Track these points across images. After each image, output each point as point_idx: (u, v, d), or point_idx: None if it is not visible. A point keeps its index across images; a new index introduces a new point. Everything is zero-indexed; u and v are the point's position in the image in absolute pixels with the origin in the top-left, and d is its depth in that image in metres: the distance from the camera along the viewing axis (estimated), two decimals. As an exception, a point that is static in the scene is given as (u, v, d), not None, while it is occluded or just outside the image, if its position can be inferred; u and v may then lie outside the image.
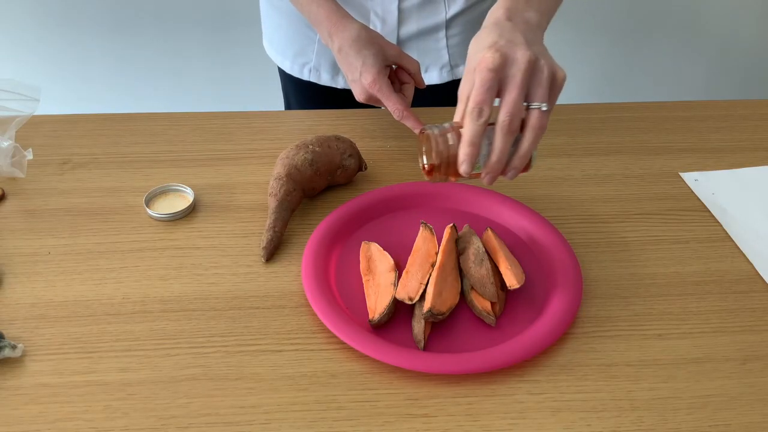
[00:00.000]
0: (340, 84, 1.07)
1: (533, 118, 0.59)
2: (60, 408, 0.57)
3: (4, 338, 0.62)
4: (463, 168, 0.60)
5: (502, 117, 0.59)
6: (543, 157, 0.89)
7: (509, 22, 0.62)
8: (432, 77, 1.05)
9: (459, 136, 0.61)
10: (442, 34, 1.03)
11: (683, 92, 2.14)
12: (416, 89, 0.89)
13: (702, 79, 2.15)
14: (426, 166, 0.65)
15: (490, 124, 0.60)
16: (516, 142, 0.61)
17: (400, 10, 0.99)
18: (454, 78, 1.07)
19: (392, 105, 0.82)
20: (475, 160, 0.60)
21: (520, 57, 0.58)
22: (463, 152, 0.60)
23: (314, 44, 1.04)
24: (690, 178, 0.87)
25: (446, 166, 0.62)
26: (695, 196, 0.84)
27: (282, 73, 1.13)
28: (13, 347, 0.61)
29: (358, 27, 0.84)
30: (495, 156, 0.60)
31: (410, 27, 1.01)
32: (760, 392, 0.60)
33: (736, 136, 0.96)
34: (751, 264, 0.74)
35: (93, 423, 0.56)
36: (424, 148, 0.65)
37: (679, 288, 0.71)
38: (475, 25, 1.05)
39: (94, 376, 0.60)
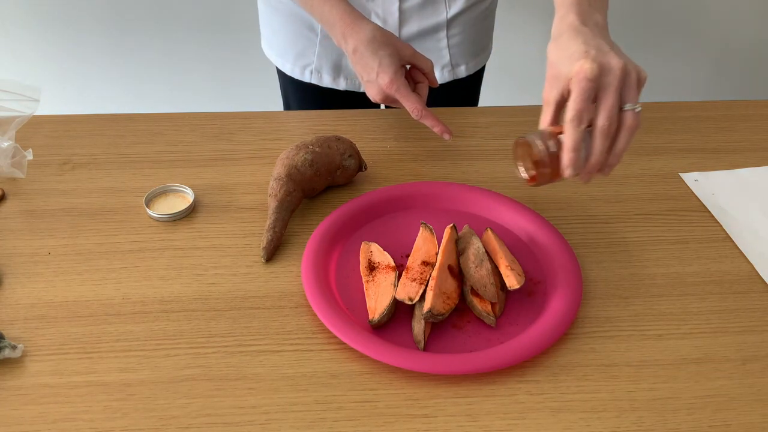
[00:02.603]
0: (341, 86, 1.07)
1: (629, 120, 0.62)
2: (60, 408, 0.58)
3: (4, 339, 0.62)
4: (568, 172, 0.63)
5: (602, 122, 0.61)
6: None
7: (585, 27, 0.65)
8: (433, 77, 1.05)
9: (557, 141, 0.63)
10: (442, 34, 1.03)
11: (683, 92, 2.14)
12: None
13: (702, 79, 2.15)
14: (527, 173, 0.67)
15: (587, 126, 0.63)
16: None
17: (401, 11, 0.99)
18: (455, 78, 1.07)
19: (411, 105, 0.82)
20: (578, 165, 0.63)
21: (615, 65, 0.61)
22: (567, 158, 0.62)
23: (315, 46, 1.04)
24: (690, 178, 0.87)
25: (550, 171, 0.64)
26: (695, 196, 0.84)
27: (281, 74, 1.13)
28: (13, 348, 0.61)
29: (373, 27, 0.84)
30: (595, 158, 0.63)
31: (411, 27, 1.01)
32: (760, 393, 0.60)
33: (736, 137, 0.96)
34: (751, 264, 0.74)
35: (93, 423, 0.56)
36: (521, 156, 0.66)
37: (679, 288, 0.71)
38: (475, 25, 1.06)
39: (94, 376, 0.60)
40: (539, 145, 0.64)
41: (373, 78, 0.82)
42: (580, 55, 0.62)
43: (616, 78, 0.61)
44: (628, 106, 0.62)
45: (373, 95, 0.84)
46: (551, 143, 0.64)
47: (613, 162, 0.64)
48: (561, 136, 0.63)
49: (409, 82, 0.86)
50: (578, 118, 0.61)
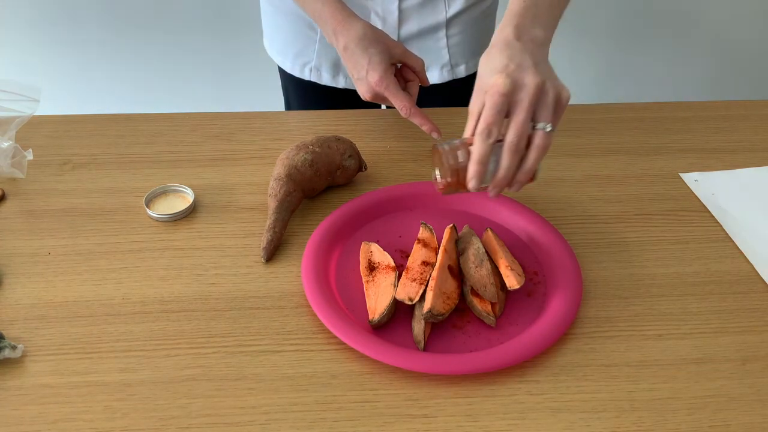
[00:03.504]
0: (340, 84, 1.07)
1: (538, 139, 0.63)
2: (60, 408, 0.58)
3: (4, 339, 0.62)
4: (471, 184, 0.64)
5: (510, 138, 0.62)
6: (544, 158, 0.89)
7: (518, 42, 0.65)
8: (432, 76, 1.05)
9: (469, 153, 0.64)
10: (442, 33, 1.03)
11: (683, 92, 2.14)
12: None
13: (702, 79, 2.15)
14: (441, 179, 0.67)
15: (498, 141, 0.63)
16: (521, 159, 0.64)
17: (400, 10, 0.99)
18: (454, 77, 1.07)
19: (399, 103, 0.82)
20: (483, 177, 0.64)
21: (529, 82, 0.62)
22: (472, 170, 0.63)
23: (315, 44, 1.04)
24: (690, 178, 0.87)
25: (456, 180, 0.65)
26: (695, 196, 0.84)
27: (282, 72, 1.13)
28: (14, 348, 0.61)
29: (364, 25, 0.84)
30: (502, 173, 0.63)
31: (410, 27, 1.01)
32: (759, 393, 0.60)
33: (736, 137, 0.96)
34: (751, 264, 0.74)
35: (93, 423, 0.56)
36: (437, 162, 0.67)
37: (678, 288, 0.71)
38: (475, 25, 1.06)
39: (94, 376, 0.60)
40: (448, 154, 0.65)
41: (363, 75, 0.82)
42: (499, 69, 0.63)
43: (529, 95, 0.61)
44: (539, 125, 0.63)
45: (362, 93, 0.84)
46: (460, 153, 0.64)
47: (522, 179, 0.65)
48: (472, 147, 0.64)
49: (399, 81, 0.86)
50: (487, 131, 0.61)
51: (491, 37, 1.11)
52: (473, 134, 0.64)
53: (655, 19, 2.01)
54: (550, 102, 0.63)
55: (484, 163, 0.62)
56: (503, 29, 0.67)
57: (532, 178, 0.66)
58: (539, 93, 0.62)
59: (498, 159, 0.63)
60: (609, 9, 1.97)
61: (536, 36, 0.67)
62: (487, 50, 0.67)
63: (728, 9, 2.00)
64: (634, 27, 2.02)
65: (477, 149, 0.62)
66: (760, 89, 2.15)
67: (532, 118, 0.63)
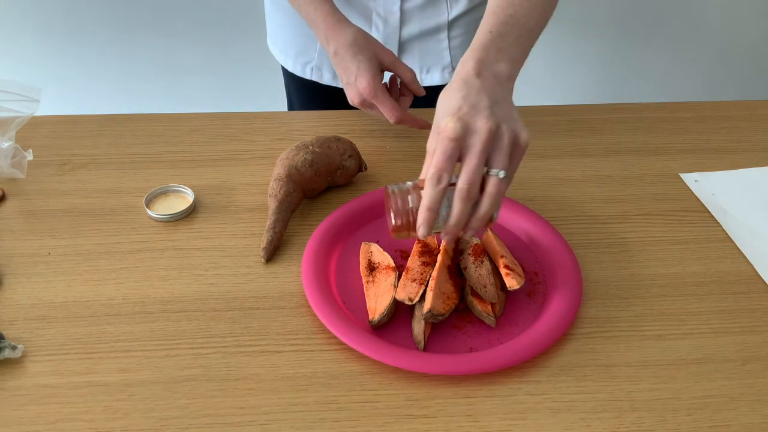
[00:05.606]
0: (341, 84, 1.07)
1: (490, 186, 0.59)
2: (60, 409, 0.58)
3: (4, 339, 0.62)
4: (420, 231, 0.60)
5: (461, 185, 0.59)
6: (543, 158, 0.89)
7: (477, 79, 0.62)
8: (434, 78, 1.05)
9: (420, 197, 0.61)
10: (444, 35, 1.03)
11: (683, 92, 2.14)
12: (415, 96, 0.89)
13: (702, 80, 2.15)
14: (394, 220, 0.64)
15: (452, 185, 0.60)
16: (475, 204, 0.61)
17: (402, 11, 0.99)
18: (455, 79, 1.07)
19: (387, 110, 0.82)
20: (433, 224, 0.60)
21: (481, 127, 0.58)
22: (422, 217, 0.60)
23: (317, 44, 1.04)
24: (690, 178, 0.87)
25: (408, 224, 0.62)
26: (695, 196, 0.84)
27: (285, 72, 1.13)
28: (14, 348, 0.61)
29: (354, 31, 0.84)
30: (453, 220, 0.60)
31: (412, 28, 1.01)
32: (760, 393, 0.60)
33: (736, 137, 0.96)
34: (751, 265, 0.74)
35: (93, 424, 0.56)
36: (387, 205, 0.64)
37: (679, 289, 0.71)
38: (477, 27, 1.05)
39: (94, 376, 0.60)
40: (398, 197, 0.62)
41: (352, 81, 0.83)
42: (451, 112, 0.59)
43: (481, 141, 0.58)
44: (492, 171, 0.59)
45: (351, 98, 0.85)
46: (411, 197, 0.61)
47: (476, 225, 0.61)
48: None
49: (395, 92, 0.87)
50: (437, 176, 0.58)
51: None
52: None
53: (655, 19, 2.01)
54: (505, 146, 0.59)
55: (433, 209, 0.59)
56: (464, 63, 0.64)
57: (489, 221, 0.62)
58: (492, 138, 0.58)
59: (450, 204, 0.60)
60: (609, 9, 1.97)
61: (499, 71, 0.63)
62: (446, 87, 0.63)
63: (728, 9, 2.00)
64: (634, 27, 2.02)
65: (427, 195, 0.59)
66: (760, 89, 2.15)
67: (486, 163, 0.59)
